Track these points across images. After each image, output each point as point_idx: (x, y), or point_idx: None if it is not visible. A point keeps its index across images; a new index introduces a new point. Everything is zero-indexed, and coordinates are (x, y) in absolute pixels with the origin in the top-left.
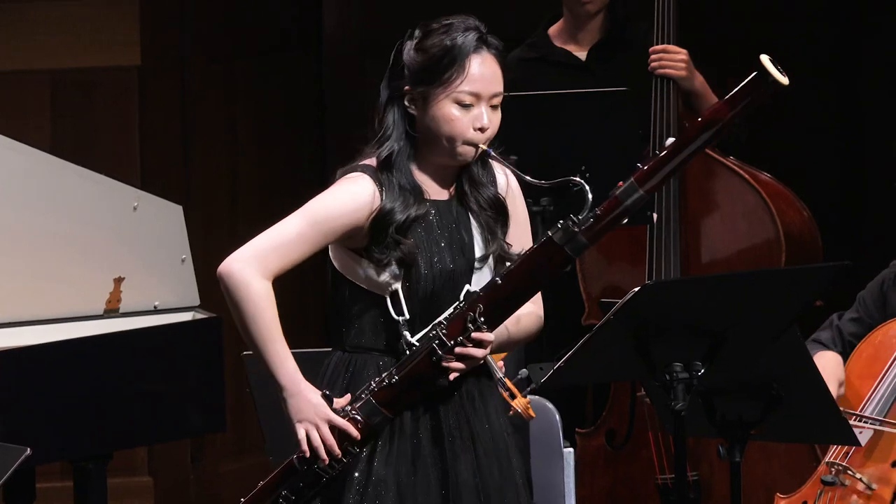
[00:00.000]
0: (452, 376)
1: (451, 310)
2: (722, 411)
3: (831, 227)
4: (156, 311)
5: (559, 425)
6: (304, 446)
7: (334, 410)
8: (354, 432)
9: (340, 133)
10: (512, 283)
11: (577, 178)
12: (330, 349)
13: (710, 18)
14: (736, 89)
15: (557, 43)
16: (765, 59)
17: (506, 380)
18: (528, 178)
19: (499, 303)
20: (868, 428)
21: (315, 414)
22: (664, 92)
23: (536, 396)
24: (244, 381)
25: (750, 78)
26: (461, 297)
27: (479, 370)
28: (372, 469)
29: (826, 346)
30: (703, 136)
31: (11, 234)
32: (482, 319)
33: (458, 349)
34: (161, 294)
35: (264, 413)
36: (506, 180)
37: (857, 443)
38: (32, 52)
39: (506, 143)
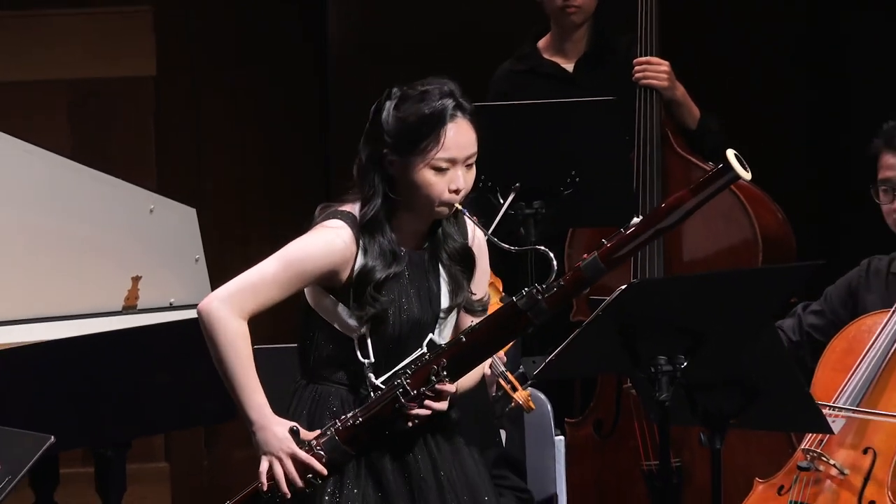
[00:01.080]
0: (412, 423)
1: (414, 356)
2: (703, 402)
3: (802, 228)
4: (171, 307)
5: (551, 415)
6: (264, 479)
7: (300, 443)
8: (319, 467)
9: (343, 137)
10: (475, 340)
11: (543, 248)
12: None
13: (691, 31)
14: (701, 180)
15: (546, 55)
16: (730, 154)
17: (508, 373)
18: (497, 241)
19: (461, 358)
20: (841, 417)
21: (280, 448)
22: (647, 101)
23: (531, 388)
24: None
25: (715, 170)
26: (424, 346)
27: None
28: (342, 498)
29: (784, 334)
30: (667, 220)
31: (34, 236)
32: (444, 373)
33: (419, 399)
34: (176, 291)
35: (271, 404)
36: (473, 233)
37: (831, 431)
38: (53, 62)
39: (500, 152)
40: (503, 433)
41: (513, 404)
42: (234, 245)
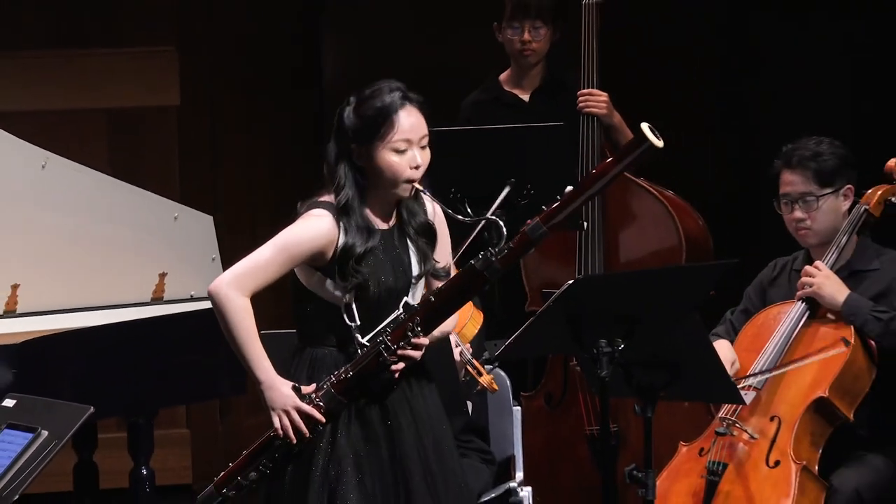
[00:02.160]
0: (396, 373)
1: (393, 317)
2: (637, 377)
3: (720, 232)
4: (192, 299)
5: (509, 389)
6: (279, 429)
7: (301, 398)
8: (319, 416)
9: None
10: (442, 299)
11: (494, 217)
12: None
13: (627, 66)
14: (621, 149)
15: (506, 87)
16: (644, 126)
17: (474, 360)
18: (452, 213)
19: (432, 314)
20: (752, 389)
21: (285, 403)
22: (590, 126)
23: (495, 367)
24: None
25: (631, 140)
26: (401, 308)
27: (417, 367)
28: (334, 446)
29: (720, 337)
30: (596, 185)
31: (79, 239)
32: (419, 328)
33: (399, 351)
34: (196, 285)
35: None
36: (433, 209)
37: (743, 402)
38: (91, 94)
39: (467, 168)
40: (469, 404)
41: (479, 387)
42: (244, 247)
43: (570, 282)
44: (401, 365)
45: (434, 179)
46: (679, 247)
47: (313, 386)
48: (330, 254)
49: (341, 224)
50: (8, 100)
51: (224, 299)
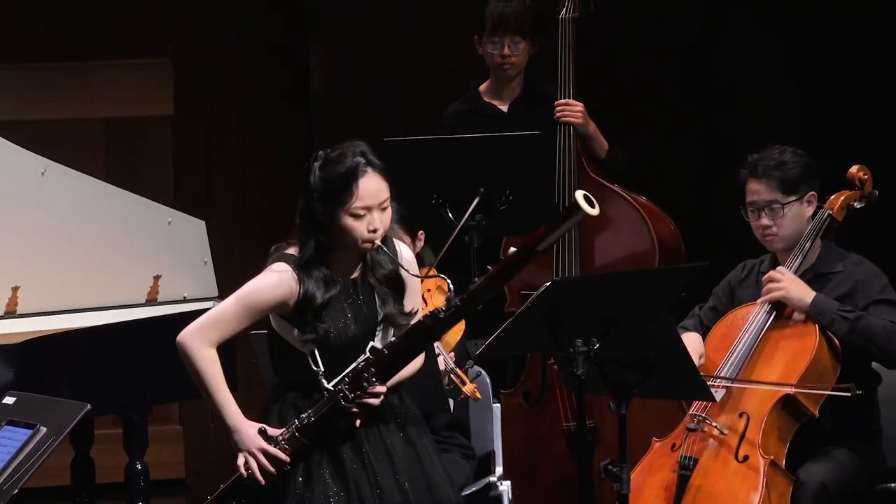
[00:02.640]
0: (358, 422)
1: (357, 362)
2: (612, 375)
3: (690, 236)
4: (185, 300)
5: (489, 387)
6: (243, 471)
7: (267, 440)
8: (283, 457)
9: None
10: (394, 351)
11: (443, 276)
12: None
13: (603, 76)
14: (560, 219)
15: (486, 98)
16: (579, 195)
17: (457, 369)
18: (407, 270)
19: (385, 365)
20: (721, 387)
21: (251, 445)
22: (566, 135)
23: (476, 367)
24: (251, 354)
25: (567, 209)
26: (367, 352)
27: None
28: (309, 481)
29: (688, 331)
30: (532, 251)
31: (78, 242)
32: (374, 378)
33: (357, 399)
34: (189, 287)
35: (265, 378)
36: (401, 252)
37: (714, 399)
38: (89, 104)
39: (449, 175)
40: (451, 402)
41: (462, 396)
42: (235, 250)
43: (548, 283)
44: (359, 411)
45: (417, 187)
46: (652, 250)
47: (282, 430)
48: (292, 304)
49: (301, 277)
50: (9, 110)
51: (189, 350)
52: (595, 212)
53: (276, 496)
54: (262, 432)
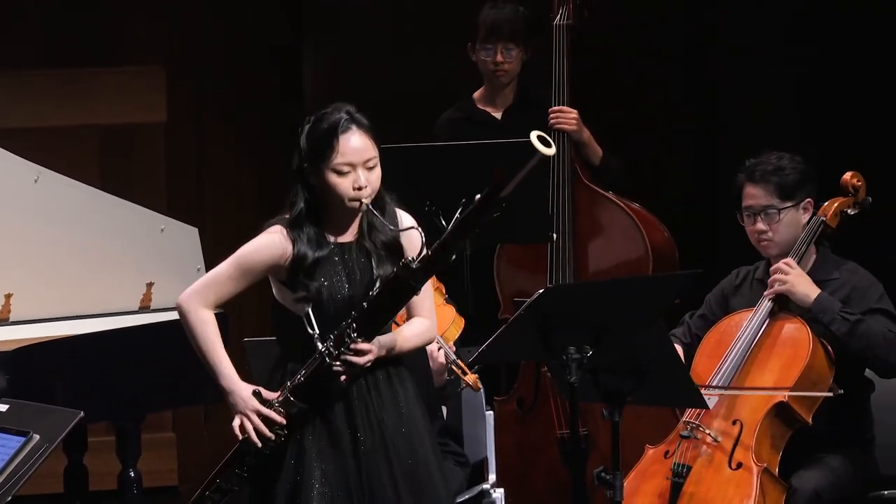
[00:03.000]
0: (343, 378)
1: (342, 325)
2: (605, 383)
3: (685, 243)
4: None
5: (483, 394)
6: (238, 432)
7: (262, 402)
8: (278, 419)
9: None
10: (373, 305)
11: (415, 227)
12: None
13: (596, 83)
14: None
15: (479, 105)
16: (533, 136)
17: (458, 360)
18: (392, 227)
19: (367, 321)
20: (714, 395)
21: (246, 407)
22: (560, 142)
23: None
24: (244, 361)
25: (524, 142)
26: (353, 314)
27: (388, 364)
28: (301, 455)
29: (678, 339)
30: (496, 196)
31: (71, 250)
32: (355, 334)
33: (343, 357)
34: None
35: (259, 383)
36: (400, 219)
37: (707, 406)
38: (85, 112)
39: (442, 183)
40: (444, 409)
41: (464, 385)
42: (228, 257)
43: (541, 291)
44: (343, 370)
45: (410, 194)
46: (646, 257)
47: (277, 393)
48: (286, 264)
49: (293, 237)
50: (3, 117)
51: (186, 311)
52: (551, 151)
53: (270, 479)
54: (257, 394)
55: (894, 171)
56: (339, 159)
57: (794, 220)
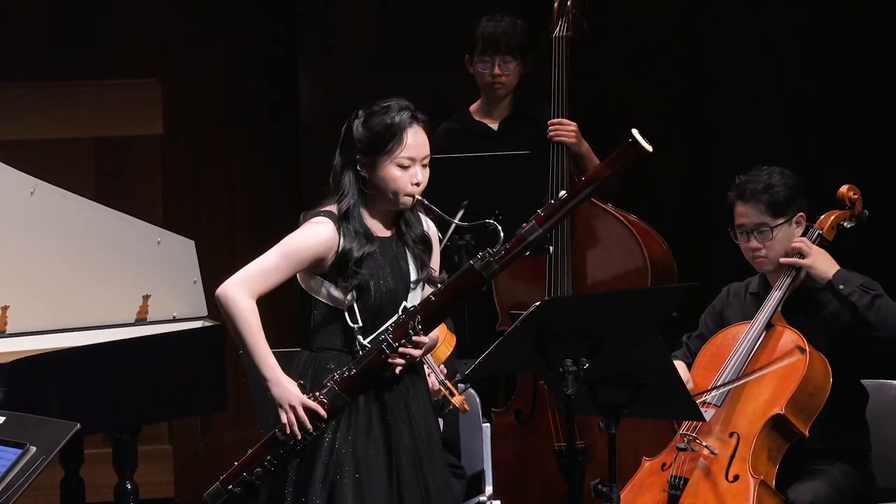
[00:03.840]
0: (398, 370)
1: (393, 319)
2: (602, 395)
3: (681, 256)
4: (174, 320)
5: (479, 406)
6: (285, 424)
7: (306, 394)
8: (322, 412)
9: (311, 185)
10: (441, 298)
11: (492, 221)
12: (298, 349)
13: (595, 97)
14: (613, 154)
15: (476, 117)
16: (635, 132)
17: (447, 381)
18: (455, 221)
19: (432, 314)
20: (711, 407)
21: (292, 398)
22: (559, 155)
23: (467, 388)
24: (241, 373)
25: (623, 145)
26: (400, 311)
27: (412, 367)
28: (335, 441)
29: (678, 359)
30: (588, 189)
31: (67, 262)
32: (420, 327)
33: (401, 349)
34: (178, 307)
35: (256, 396)
36: (426, 224)
37: (703, 419)
38: (79, 123)
39: (439, 194)
40: (441, 421)
41: (451, 407)
42: (225, 270)
43: (538, 303)
44: (402, 361)
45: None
46: (645, 269)
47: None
48: (330, 259)
49: (341, 230)
50: None
51: (231, 301)
52: (650, 148)
53: (305, 465)
54: (302, 386)
55: (886, 182)
56: (405, 153)
57: (788, 235)
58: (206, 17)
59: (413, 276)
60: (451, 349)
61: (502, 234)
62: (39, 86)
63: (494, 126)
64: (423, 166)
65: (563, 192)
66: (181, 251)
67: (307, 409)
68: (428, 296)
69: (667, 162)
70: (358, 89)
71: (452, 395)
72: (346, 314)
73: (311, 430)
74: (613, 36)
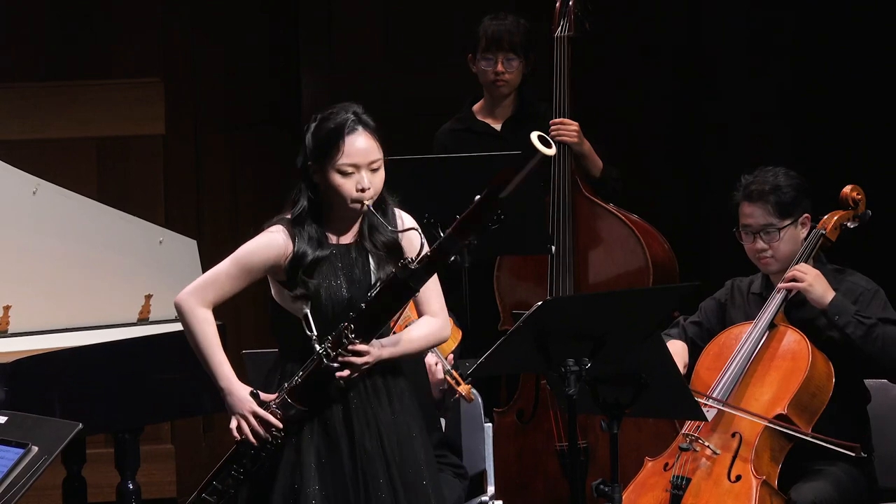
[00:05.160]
0: (341, 380)
1: (340, 326)
2: (604, 395)
3: (683, 256)
4: (176, 319)
5: (481, 406)
6: (235, 434)
7: (260, 404)
8: (275, 421)
9: None
10: (371, 307)
11: (415, 228)
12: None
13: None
14: (518, 160)
15: (479, 117)
16: (534, 136)
17: (453, 371)
18: (398, 231)
19: (365, 322)
20: (713, 408)
21: (243, 408)
22: (561, 154)
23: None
24: (242, 372)
25: (524, 153)
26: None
27: (387, 371)
28: (298, 455)
29: (671, 337)
30: (495, 197)
31: (67, 262)
32: (353, 336)
33: (341, 358)
34: None
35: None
36: (401, 220)
37: (706, 419)
38: (82, 123)
39: (441, 194)
40: (443, 421)
41: (456, 395)
42: None
43: (539, 303)
44: (346, 372)
45: (409, 205)
46: (646, 269)
47: (274, 395)
48: (285, 264)
49: (294, 236)
50: (2, 129)
51: (185, 311)
52: (552, 152)
53: (267, 479)
54: (255, 395)
55: (886, 182)
56: (343, 160)
57: (794, 236)
58: (208, 18)
59: (374, 282)
60: (458, 342)
61: (425, 242)
62: (42, 85)
63: (497, 126)
64: (373, 171)
65: (477, 197)
66: (183, 251)
67: (259, 418)
68: (359, 305)
69: (668, 162)
70: (360, 91)
71: (458, 384)
72: (303, 323)
73: (268, 439)
74: (614, 36)
